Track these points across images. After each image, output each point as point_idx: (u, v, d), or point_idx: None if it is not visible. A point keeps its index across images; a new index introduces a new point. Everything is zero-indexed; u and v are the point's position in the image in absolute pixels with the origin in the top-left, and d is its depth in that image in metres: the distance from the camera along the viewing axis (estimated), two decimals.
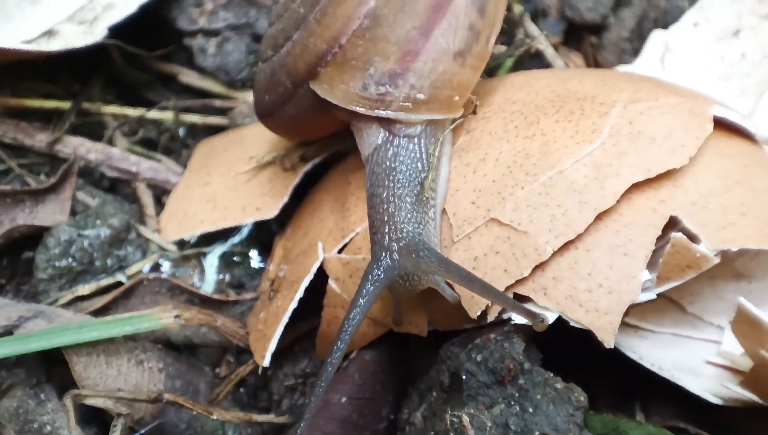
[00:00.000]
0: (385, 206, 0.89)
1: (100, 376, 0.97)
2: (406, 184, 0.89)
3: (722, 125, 0.98)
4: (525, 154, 0.91)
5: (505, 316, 0.88)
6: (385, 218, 0.88)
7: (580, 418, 0.85)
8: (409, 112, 0.89)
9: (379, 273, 0.88)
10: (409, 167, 0.90)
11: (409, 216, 0.88)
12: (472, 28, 0.91)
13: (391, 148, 0.90)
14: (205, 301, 1.09)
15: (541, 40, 1.27)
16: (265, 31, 1.00)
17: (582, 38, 1.35)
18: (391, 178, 0.89)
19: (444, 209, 0.92)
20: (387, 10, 0.88)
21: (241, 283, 1.14)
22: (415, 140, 0.91)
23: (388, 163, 0.90)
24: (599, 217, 0.87)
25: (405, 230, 0.87)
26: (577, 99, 0.95)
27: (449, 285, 0.88)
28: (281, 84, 0.94)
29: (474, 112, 0.95)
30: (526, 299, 0.87)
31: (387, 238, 0.88)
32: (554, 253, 0.86)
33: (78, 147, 1.22)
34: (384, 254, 0.88)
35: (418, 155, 0.90)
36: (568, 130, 0.91)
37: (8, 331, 0.98)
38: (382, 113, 0.89)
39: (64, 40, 1.18)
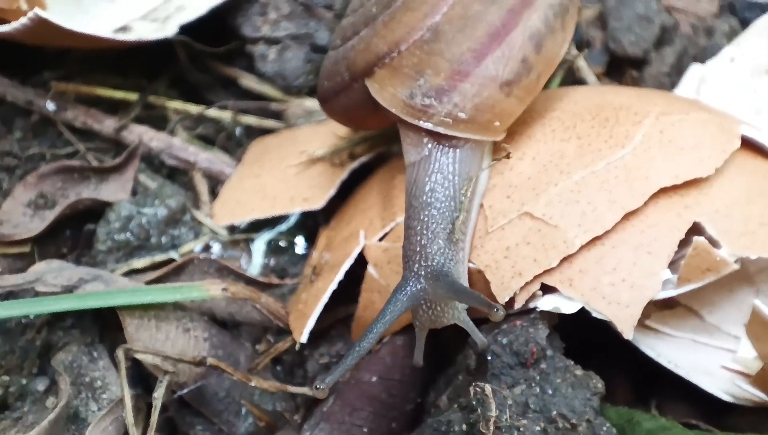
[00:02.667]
0: (419, 238, 0.94)
1: (149, 339, 1.03)
2: (440, 221, 0.93)
3: (749, 145, 1.03)
4: (560, 155, 0.97)
5: (531, 305, 0.93)
6: (418, 249, 0.93)
7: (596, 403, 0.90)
8: (448, 127, 0.94)
9: (404, 296, 0.93)
10: (443, 204, 0.94)
11: (441, 250, 0.93)
12: (525, 61, 0.94)
13: (428, 183, 0.95)
14: (250, 282, 1.15)
15: (582, 61, 1.32)
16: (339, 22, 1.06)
17: (623, 71, 1.40)
18: (426, 212, 0.94)
19: (481, 204, 0.98)
20: (448, 28, 0.93)
21: (284, 269, 1.20)
22: (450, 176, 0.95)
23: (424, 197, 0.94)
24: (626, 217, 0.92)
25: (436, 261, 0.93)
26: (613, 108, 1.01)
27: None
28: (340, 74, 1.00)
29: (507, 157, 0.99)
30: (552, 289, 0.93)
31: (417, 265, 0.93)
32: (582, 247, 0.92)
33: (142, 134, 1.30)
34: (413, 277, 0.93)
35: (451, 193, 0.95)
36: (602, 135, 0.97)
37: (68, 290, 1.05)
38: (423, 124, 0.94)
39: (138, 33, 1.27)
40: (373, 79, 0.97)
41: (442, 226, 0.93)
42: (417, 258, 0.93)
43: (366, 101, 0.99)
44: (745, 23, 1.38)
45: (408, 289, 0.93)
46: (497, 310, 0.86)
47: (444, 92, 0.93)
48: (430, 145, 0.96)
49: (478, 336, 0.92)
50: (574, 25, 1.02)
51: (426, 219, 0.94)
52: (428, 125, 0.94)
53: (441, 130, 0.94)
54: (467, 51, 0.93)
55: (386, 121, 1.01)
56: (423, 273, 0.93)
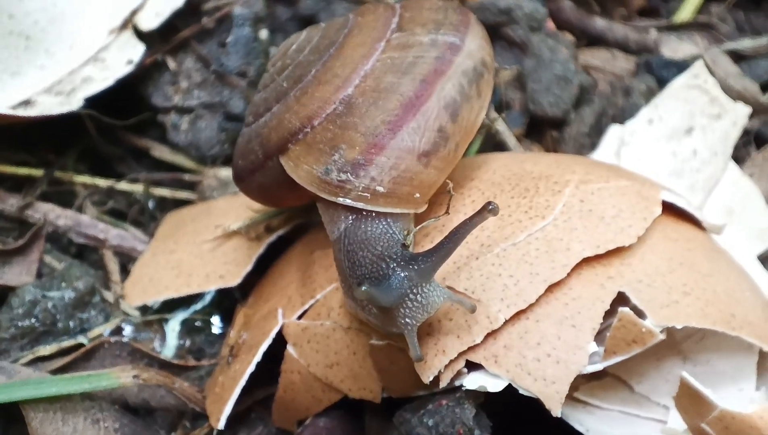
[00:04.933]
0: (371, 256, 0.89)
1: (55, 433, 0.97)
2: (386, 248, 0.89)
3: (670, 210, 1.02)
4: (481, 227, 0.94)
5: (457, 383, 0.90)
6: (375, 259, 0.88)
7: None
8: (367, 202, 0.90)
9: (388, 288, 0.87)
10: (384, 247, 0.89)
11: (402, 250, 0.89)
12: (441, 131, 0.92)
13: (358, 235, 0.91)
14: (164, 366, 1.10)
15: (501, 125, 1.31)
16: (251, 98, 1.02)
17: (543, 132, 1.39)
18: (371, 244, 0.89)
19: None
20: (361, 101, 0.90)
21: (201, 349, 1.15)
22: (382, 225, 0.91)
23: (360, 238, 0.90)
24: (549, 290, 0.90)
25: (401, 253, 0.88)
26: (533, 178, 0.99)
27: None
28: (254, 152, 0.97)
29: (447, 213, 0.95)
30: (477, 366, 0.90)
31: (385, 265, 0.88)
32: (505, 322, 0.89)
33: (48, 212, 1.25)
34: (391, 275, 0.87)
35: (390, 232, 0.91)
36: (522, 205, 0.96)
37: None
38: (341, 200, 0.90)
39: (41, 108, 1.22)
40: (287, 156, 0.94)
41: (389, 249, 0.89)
42: (380, 264, 0.88)
43: (282, 179, 0.95)
44: (662, 82, 1.38)
45: (390, 282, 0.87)
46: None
47: (360, 166, 0.89)
48: (351, 219, 0.92)
49: (466, 303, 0.87)
50: (491, 91, 1.00)
51: (372, 246, 0.89)
52: (347, 201, 0.90)
53: (360, 205, 0.90)
54: (382, 123, 0.90)
55: (305, 198, 0.97)
56: (393, 265, 0.87)
